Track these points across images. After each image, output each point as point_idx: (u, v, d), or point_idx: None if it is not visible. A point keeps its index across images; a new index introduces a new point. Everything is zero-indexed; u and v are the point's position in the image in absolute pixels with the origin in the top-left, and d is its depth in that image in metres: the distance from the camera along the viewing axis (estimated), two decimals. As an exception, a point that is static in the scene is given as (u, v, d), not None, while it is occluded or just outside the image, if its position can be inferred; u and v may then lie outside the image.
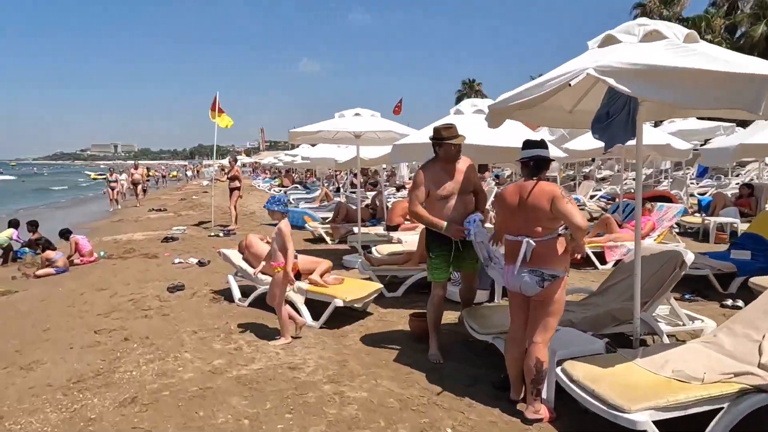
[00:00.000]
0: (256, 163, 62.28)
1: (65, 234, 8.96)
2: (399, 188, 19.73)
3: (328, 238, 10.12)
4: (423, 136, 5.82)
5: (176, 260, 8.17)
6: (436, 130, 4.01)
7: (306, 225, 10.90)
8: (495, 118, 3.94)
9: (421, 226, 9.06)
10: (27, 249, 9.86)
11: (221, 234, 11.20)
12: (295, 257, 4.74)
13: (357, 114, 7.48)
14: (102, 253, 9.28)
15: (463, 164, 4.08)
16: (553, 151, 5.55)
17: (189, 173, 46.26)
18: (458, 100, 78.07)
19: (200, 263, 7.99)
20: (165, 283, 6.64)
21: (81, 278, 7.54)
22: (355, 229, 9.48)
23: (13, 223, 9.96)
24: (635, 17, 44.76)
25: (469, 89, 76.29)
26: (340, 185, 20.48)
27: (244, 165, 60.26)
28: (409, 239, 7.95)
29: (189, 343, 4.50)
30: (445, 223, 3.88)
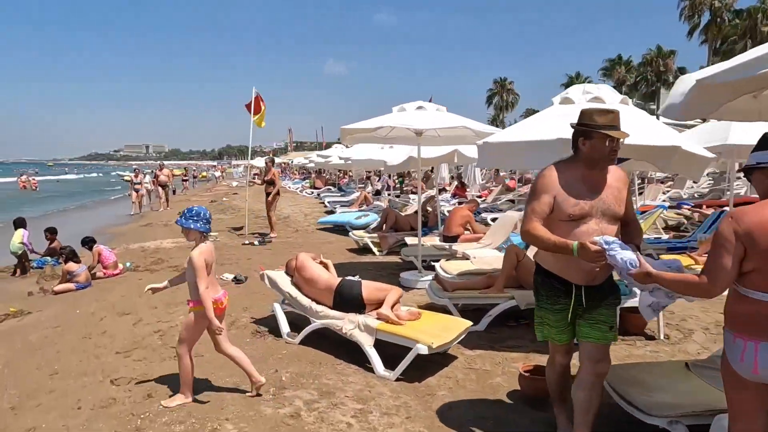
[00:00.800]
0: (284, 163, 61.94)
1: (89, 243, 8.02)
2: (441, 191, 18.51)
3: (375, 249, 9.00)
4: (517, 133, 4.64)
5: (209, 276, 7.16)
6: (587, 113, 2.62)
7: (350, 233, 9.80)
8: (704, 97, 2.67)
9: (482, 237, 7.90)
10: (48, 258, 9.05)
11: (256, 242, 10.20)
12: (223, 296, 3.52)
13: (420, 107, 6.34)
14: (128, 264, 8.38)
15: (614, 176, 2.67)
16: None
17: (218, 174, 45.89)
18: (489, 99, 76.45)
19: (236, 280, 6.97)
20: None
21: (102, 297, 6.60)
22: (410, 240, 8.35)
23: (19, 223, 8.99)
24: (682, 10, 42.62)
25: (501, 88, 74.34)
26: (379, 187, 19.35)
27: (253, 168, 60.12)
28: (478, 254, 6.77)
29: (231, 404, 3.42)
30: (575, 243, 2.47)
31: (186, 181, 30.67)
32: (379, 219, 10.83)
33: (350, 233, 9.74)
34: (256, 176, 45.55)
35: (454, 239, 8.13)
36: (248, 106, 11.38)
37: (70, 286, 7.09)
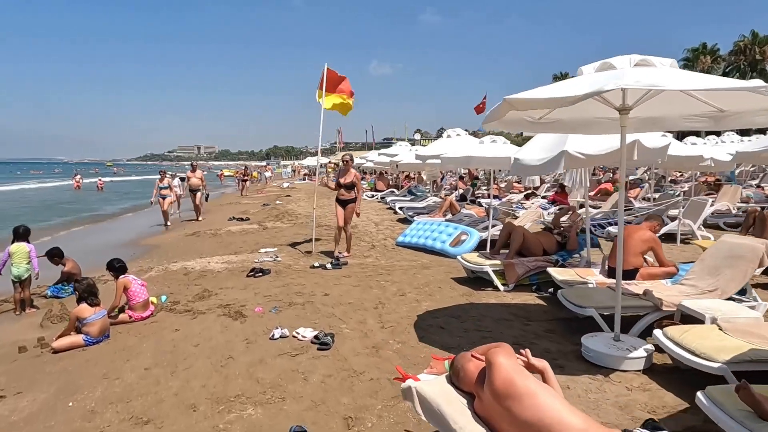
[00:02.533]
0: (333, 163, 60.21)
1: (117, 269, 5.65)
2: (528, 196, 15.62)
3: (497, 281, 6.38)
4: None
5: (276, 332, 4.72)
6: None
7: (459, 258, 7.17)
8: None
9: (672, 270, 5.18)
10: (65, 284, 6.96)
11: (329, 265, 7.78)
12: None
13: (640, 63, 3.64)
14: (163, 299, 6.13)
15: None
16: None
17: (268, 174, 44.45)
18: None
19: (319, 342, 4.50)
20: (263, 396, 3.25)
21: (119, 363, 4.31)
22: (557, 274, 5.72)
23: (22, 233, 6.46)
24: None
25: (561, 83, 69.76)
26: (462, 190, 16.59)
27: (322, 165, 58.34)
28: (723, 313, 4.05)
29: None
30: None
31: (245, 181, 28.82)
32: (490, 237, 8.21)
33: (459, 257, 7.14)
34: (307, 177, 43.52)
35: (631, 274, 5.40)
36: (327, 85, 8.92)
37: (78, 340, 4.84)
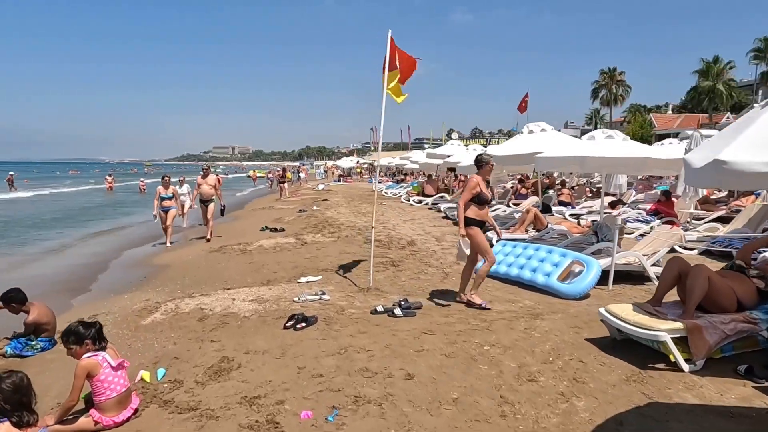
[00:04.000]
0: (367, 164, 58.18)
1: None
2: (614, 204, 13.01)
3: (679, 357, 3.99)
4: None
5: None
6: None
7: (606, 315, 4.71)
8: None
9: None
10: (31, 338, 4.96)
11: (398, 311, 5.50)
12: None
13: None
14: (160, 375, 4.01)
15: None
16: None
17: (302, 175, 42.68)
18: (595, 92, 68.14)
19: None
20: None
21: None
22: None
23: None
24: None
25: (609, 80, 65.89)
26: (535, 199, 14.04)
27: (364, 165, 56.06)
28: None
29: None
30: None
31: (283, 183, 26.86)
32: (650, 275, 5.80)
33: (605, 314, 4.70)
34: (342, 178, 41.57)
35: None
36: (393, 62, 6.62)
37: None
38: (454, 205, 14.61)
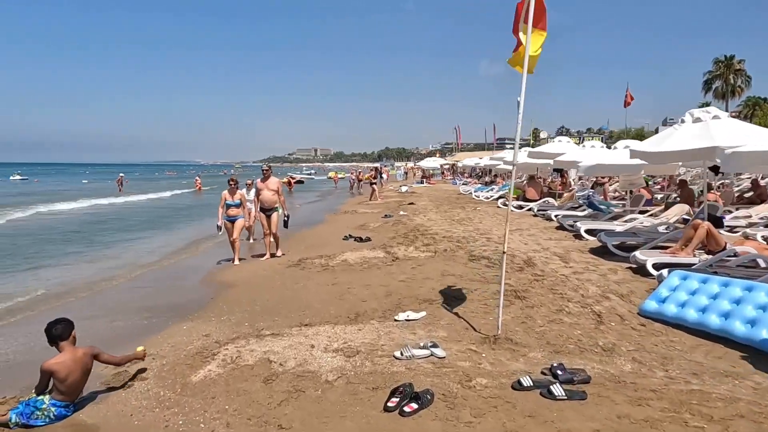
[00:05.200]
0: (450, 164, 55.83)
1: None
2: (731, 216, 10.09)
3: None
4: None
5: None
6: None
7: None
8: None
9: None
10: (40, 398, 3.63)
11: (556, 389, 3.56)
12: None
13: None
14: None
15: None
16: None
17: (384, 176, 41.33)
18: (707, 83, 60.86)
19: None
20: None
21: None
22: None
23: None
24: None
25: (726, 69, 58.49)
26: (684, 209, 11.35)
27: (447, 166, 53.76)
28: None
29: None
30: None
31: (375, 184, 25.64)
32: None
33: None
34: (425, 179, 39.70)
35: None
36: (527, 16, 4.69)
37: None
38: (571, 213, 12.27)
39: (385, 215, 15.91)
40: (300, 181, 53.66)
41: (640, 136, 63.28)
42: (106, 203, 27.39)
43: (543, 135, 65.26)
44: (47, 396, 3.65)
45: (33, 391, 3.74)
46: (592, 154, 12.32)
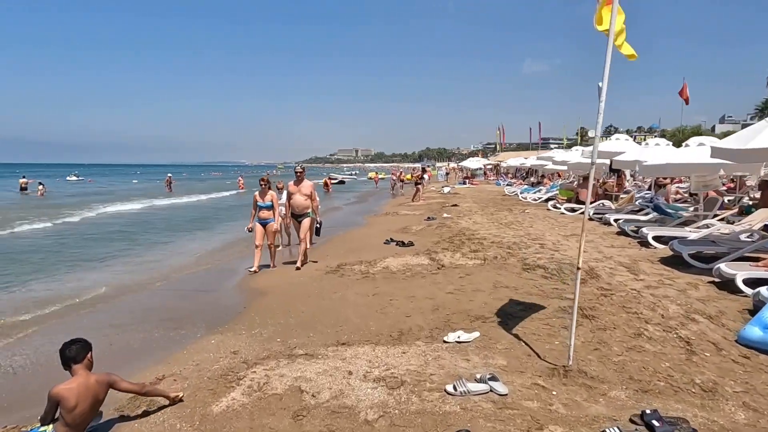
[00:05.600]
0: (493, 164, 54.34)
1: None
2: None
3: None
4: None
5: None
6: None
7: None
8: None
9: None
10: (48, 429, 3.18)
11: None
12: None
13: None
14: None
15: None
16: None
17: (426, 177, 40.48)
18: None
19: None
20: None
21: None
22: None
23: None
24: None
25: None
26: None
27: (489, 166, 52.10)
28: None
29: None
30: None
31: (420, 185, 25.00)
32: None
33: None
34: (467, 179, 38.57)
35: None
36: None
37: None
38: (633, 218, 11.23)
39: (428, 217, 15.22)
40: (342, 182, 54.17)
41: (697, 134, 59.87)
42: (165, 203, 27.64)
43: (591, 134, 62.48)
44: (50, 426, 3.21)
45: (38, 420, 3.33)
46: (658, 152, 11.22)
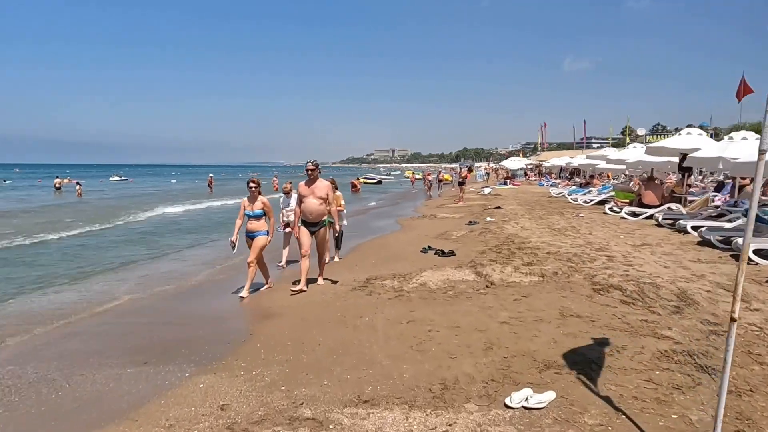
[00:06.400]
0: (535, 164, 52.09)
1: None
2: None
3: None
4: None
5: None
6: None
7: None
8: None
9: None
10: None
11: None
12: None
13: None
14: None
15: None
16: None
17: (464, 177, 38.83)
18: None
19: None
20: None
21: None
22: None
23: None
24: None
25: None
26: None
27: (530, 166, 49.97)
28: None
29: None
30: None
31: (463, 185, 23.63)
32: None
33: None
34: (508, 180, 36.68)
35: None
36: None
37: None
38: (716, 225, 9.50)
39: (470, 222, 13.81)
40: (379, 182, 53.78)
41: (757, 132, 55.66)
42: (217, 204, 26.89)
43: (641, 132, 59.05)
44: None
45: None
46: (745, 148, 9.46)
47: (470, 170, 26.30)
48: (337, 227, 7.35)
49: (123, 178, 65.72)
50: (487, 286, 6.55)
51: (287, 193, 8.95)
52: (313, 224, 6.90)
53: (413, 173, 56.92)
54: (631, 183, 19.36)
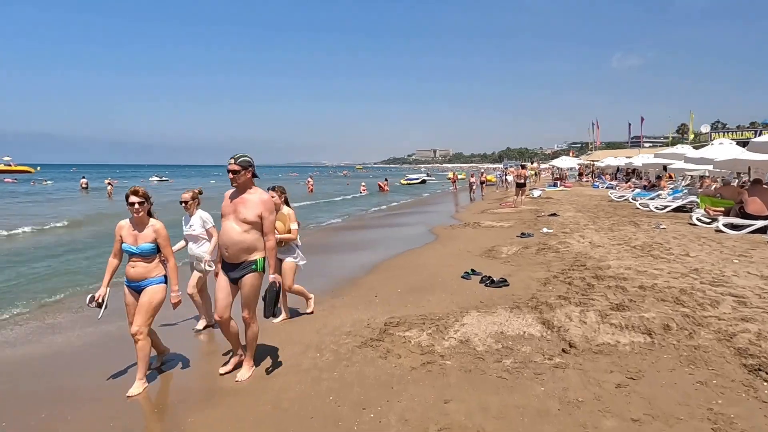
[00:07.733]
0: (586, 165, 48.37)
1: None
2: None
3: None
4: None
5: None
6: None
7: None
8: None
9: None
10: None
11: None
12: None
13: None
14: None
15: None
16: None
17: (509, 178, 36.07)
18: None
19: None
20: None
21: None
22: None
23: None
24: None
25: None
26: None
27: (583, 168, 46.35)
28: None
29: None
30: None
31: (523, 186, 21.20)
32: None
33: None
34: (559, 181, 33.43)
35: None
36: None
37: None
38: None
39: (522, 233, 11.41)
40: (423, 181, 53.29)
41: None
42: None
43: (704, 129, 53.92)
44: None
45: None
46: None
47: (523, 167, 23.83)
48: (276, 278, 3.92)
49: (163, 178, 66.07)
50: (564, 350, 4.26)
51: (187, 207, 5.59)
52: (232, 266, 3.94)
53: (455, 173, 54.52)
54: (704, 186, 16.39)
